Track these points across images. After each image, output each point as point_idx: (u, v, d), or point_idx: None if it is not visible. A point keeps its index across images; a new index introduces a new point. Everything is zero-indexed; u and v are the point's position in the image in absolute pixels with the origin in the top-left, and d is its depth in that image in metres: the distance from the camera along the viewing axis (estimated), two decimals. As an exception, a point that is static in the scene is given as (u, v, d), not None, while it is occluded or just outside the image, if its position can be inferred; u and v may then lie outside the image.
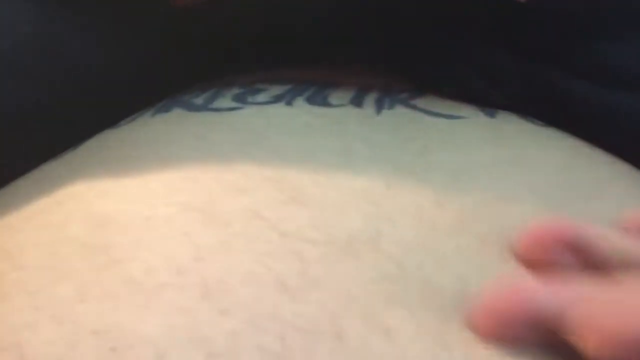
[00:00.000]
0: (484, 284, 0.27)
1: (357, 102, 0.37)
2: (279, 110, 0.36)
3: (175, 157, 0.33)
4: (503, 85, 0.40)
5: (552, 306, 0.26)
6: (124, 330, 0.25)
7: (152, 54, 0.40)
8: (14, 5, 0.38)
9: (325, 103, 0.37)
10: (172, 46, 0.40)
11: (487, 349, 0.26)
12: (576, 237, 0.29)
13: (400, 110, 0.37)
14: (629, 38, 0.40)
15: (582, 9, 0.39)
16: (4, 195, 0.34)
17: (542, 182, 0.33)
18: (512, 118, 0.38)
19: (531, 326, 0.26)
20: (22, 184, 0.34)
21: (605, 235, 0.29)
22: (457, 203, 0.31)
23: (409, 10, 0.39)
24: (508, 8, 0.37)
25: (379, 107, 0.37)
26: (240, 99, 0.37)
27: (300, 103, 0.36)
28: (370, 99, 0.38)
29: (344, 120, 0.36)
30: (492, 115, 0.38)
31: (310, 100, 0.37)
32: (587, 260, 0.29)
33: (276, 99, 0.37)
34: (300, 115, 0.36)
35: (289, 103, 0.36)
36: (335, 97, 0.37)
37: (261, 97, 0.37)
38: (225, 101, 0.37)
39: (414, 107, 0.37)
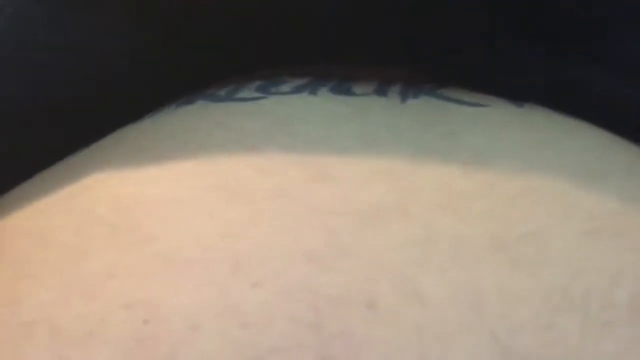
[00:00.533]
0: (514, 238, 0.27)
1: (381, 91, 0.37)
2: (303, 99, 0.36)
3: (199, 144, 0.33)
4: (527, 79, 0.40)
5: None
6: (155, 304, 0.25)
7: (172, 51, 0.40)
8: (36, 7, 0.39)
9: (349, 92, 0.37)
10: (192, 43, 0.40)
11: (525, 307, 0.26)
12: None
13: (426, 99, 0.37)
14: None
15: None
16: (32, 184, 0.34)
17: (570, 161, 0.33)
18: (539, 108, 0.38)
19: None
20: (49, 173, 0.34)
21: None
22: (484, 173, 0.31)
23: (431, 4, 0.39)
24: None
25: (404, 96, 0.37)
26: (264, 90, 0.37)
27: (324, 92, 0.36)
28: (394, 89, 0.37)
29: (368, 108, 0.36)
30: (519, 105, 0.38)
31: (334, 90, 0.37)
32: None
33: (299, 89, 0.37)
34: (324, 103, 0.36)
35: (312, 92, 0.36)
36: (359, 87, 0.37)
37: (284, 88, 0.37)
38: (248, 92, 0.37)
39: (440, 96, 0.37)
